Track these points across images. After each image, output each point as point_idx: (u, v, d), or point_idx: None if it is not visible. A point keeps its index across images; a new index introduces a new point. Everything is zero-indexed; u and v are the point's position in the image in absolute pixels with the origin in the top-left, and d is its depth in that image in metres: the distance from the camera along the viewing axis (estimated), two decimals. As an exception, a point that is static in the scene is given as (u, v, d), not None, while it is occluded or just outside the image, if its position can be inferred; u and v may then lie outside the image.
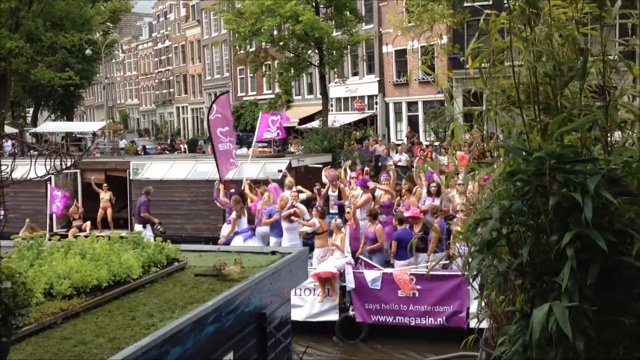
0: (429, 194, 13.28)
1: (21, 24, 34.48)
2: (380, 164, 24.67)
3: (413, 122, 37.22)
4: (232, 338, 4.66)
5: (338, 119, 34.68)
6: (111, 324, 3.97)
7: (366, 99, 40.37)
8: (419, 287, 10.87)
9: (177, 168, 17.96)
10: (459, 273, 10.59)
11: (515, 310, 2.80)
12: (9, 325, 3.17)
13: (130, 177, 18.09)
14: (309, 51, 32.15)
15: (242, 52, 34.82)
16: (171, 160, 19.67)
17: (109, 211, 17.82)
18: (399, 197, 13.75)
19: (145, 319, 4.03)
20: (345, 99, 41.60)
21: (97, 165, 19.92)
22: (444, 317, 10.76)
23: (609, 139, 2.91)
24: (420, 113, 36.63)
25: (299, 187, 14.20)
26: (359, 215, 12.84)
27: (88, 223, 17.15)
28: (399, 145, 28.97)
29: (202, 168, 17.62)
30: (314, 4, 30.17)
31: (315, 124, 35.26)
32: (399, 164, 23.40)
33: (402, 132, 37.80)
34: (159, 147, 46.39)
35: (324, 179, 15.55)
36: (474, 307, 10.46)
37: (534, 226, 2.84)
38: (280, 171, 15.56)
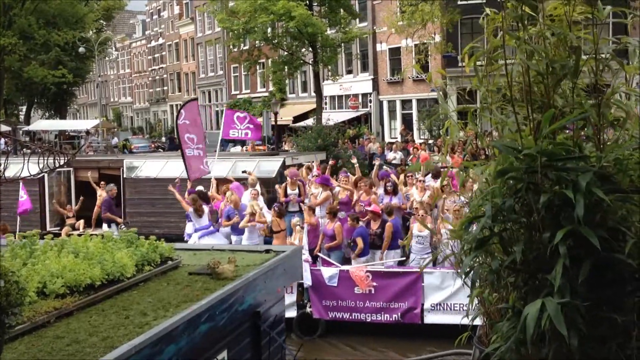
0: (386, 192, 13.39)
1: (14, 21, 34.33)
2: (374, 162, 24.68)
3: (407, 120, 37.26)
4: (226, 336, 4.66)
5: (332, 117, 34.68)
6: (105, 322, 3.96)
7: (360, 97, 40.39)
8: (375, 283, 11.00)
9: (171, 166, 17.93)
10: (415, 269, 11.06)
11: (508, 308, 2.81)
12: (2, 325, 3.16)
13: (124, 176, 18.05)
14: (303, 49, 32.13)
15: (235, 50, 34.76)
16: (165, 158, 19.64)
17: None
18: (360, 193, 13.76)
19: (139, 318, 4.03)
20: (340, 97, 41.63)
21: (91, 163, 19.87)
22: (399, 313, 10.95)
23: (601, 137, 2.92)
24: (414, 111, 36.66)
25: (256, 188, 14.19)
26: (319, 213, 12.95)
27: (81, 222, 17.10)
28: (393, 143, 29.00)
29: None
30: (307, 2, 30.15)
31: (309, 122, 35.28)
32: (393, 162, 23.42)
33: (396, 130, 37.85)
34: (153, 146, 46.28)
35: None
36: (428, 303, 10.81)
37: (526, 224, 2.85)
38: (244, 172, 15.65)
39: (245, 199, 13.50)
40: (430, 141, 28.61)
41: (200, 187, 14.76)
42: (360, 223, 12.10)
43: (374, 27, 37.88)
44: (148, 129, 67.59)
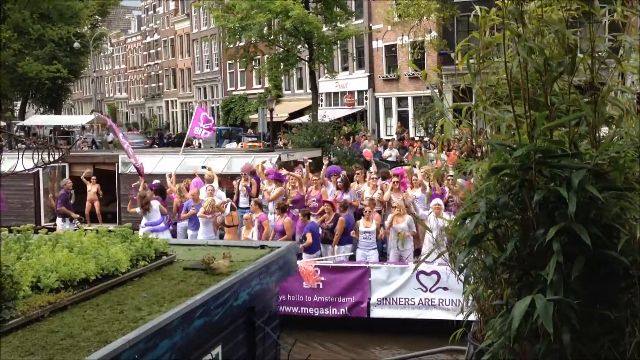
0: (338, 187, 13.52)
1: (8, 15, 34.18)
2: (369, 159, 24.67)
3: (403, 118, 37.28)
4: (220, 332, 4.66)
5: (328, 113, 34.70)
6: (99, 317, 3.96)
7: (356, 94, 40.39)
8: (323, 278, 11.17)
9: (166, 162, 17.91)
10: (362, 264, 11.34)
11: (502, 304, 2.82)
12: (-5, 319, 3.16)
13: (119, 171, 18.02)
14: (299, 46, 32.11)
15: (231, 46, 34.72)
16: (160, 154, 19.61)
17: (97, 204, 17.73)
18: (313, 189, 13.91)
19: (133, 313, 4.03)
20: (335, 94, 41.60)
21: (86, 158, 19.82)
22: (346, 308, 11.19)
23: (596, 134, 2.93)
24: (410, 108, 36.68)
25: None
26: (271, 208, 13.16)
27: (76, 217, 17.04)
28: (388, 140, 29.01)
29: (191, 162, 17.59)
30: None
31: (305, 118, 35.23)
32: (389, 159, 23.45)
33: (391, 127, 37.87)
34: (148, 141, 46.16)
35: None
36: (374, 297, 11.08)
37: (520, 220, 2.86)
38: (204, 167, 15.79)
39: (202, 195, 13.66)
40: (426, 139, 28.62)
41: (156, 181, 15.09)
42: (312, 218, 12.32)
43: (370, 24, 37.86)
44: (143, 125, 67.44)
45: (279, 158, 17.50)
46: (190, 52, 59.36)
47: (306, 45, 31.38)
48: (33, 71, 38.01)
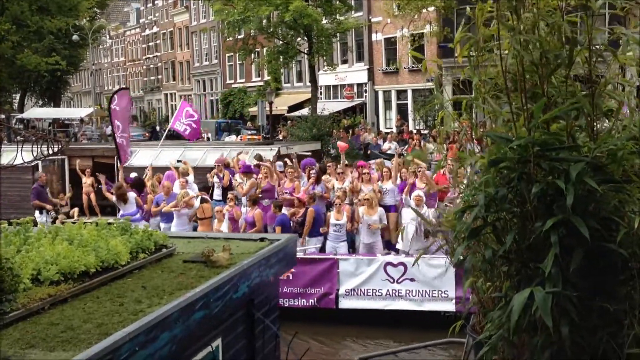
0: (309, 180, 13.65)
1: (7, 8, 34.07)
2: (369, 152, 24.71)
3: (402, 111, 37.25)
4: (220, 324, 4.67)
5: (327, 106, 34.66)
6: (99, 309, 3.96)
7: (355, 87, 40.35)
8: (292, 269, 11.19)
9: (165, 154, 17.91)
10: (331, 256, 11.53)
11: (501, 296, 2.83)
12: (-4, 311, 3.16)
13: (119, 164, 18.02)
14: (298, 39, 32.04)
15: (230, 39, 34.65)
16: (159, 146, 19.60)
17: (92, 196, 17.71)
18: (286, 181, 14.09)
19: (134, 305, 4.03)
20: (335, 86, 41.55)
21: (85, 151, 19.81)
22: (315, 299, 11.38)
23: (594, 127, 2.93)
24: (409, 101, 36.65)
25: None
26: (245, 201, 13.25)
27: (75, 209, 17.07)
28: (388, 133, 29.00)
29: (190, 154, 17.60)
30: (303, -8, 30.06)
31: (305, 111, 35.22)
32: (389, 152, 23.44)
33: (391, 120, 37.86)
34: (147, 134, 46.13)
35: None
36: (343, 288, 11.31)
37: (519, 213, 2.86)
38: (179, 161, 15.94)
39: (176, 188, 13.77)
40: (425, 131, 28.62)
41: (134, 174, 15.27)
42: (284, 210, 12.45)
43: (369, 17, 37.76)
44: (142, 118, 67.37)
45: (278, 151, 17.50)
46: (189, 45, 59.25)
47: (305, 38, 31.32)
48: (32, 64, 37.92)
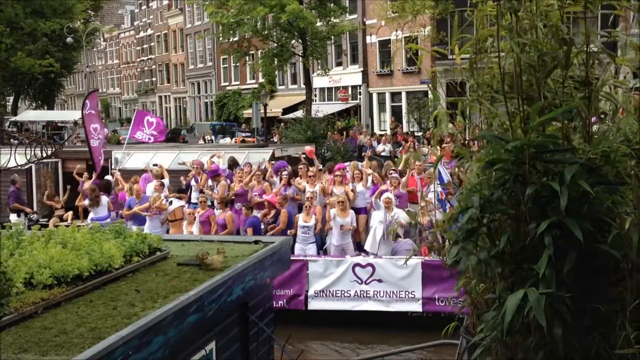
0: (281, 182, 13.76)
1: (0, 10, 34.00)
2: (363, 154, 24.73)
3: (396, 113, 37.31)
4: (214, 327, 4.66)
5: (321, 109, 34.71)
6: (92, 313, 3.95)
7: (350, 89, 40.39)
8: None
9: (160, 157, 17.87)
10: (300, 257, 11.61)
11: (495, 298, 2.83)
12: (-12, 315, 3.15)
13: (113, 167, 17.97)
14: (293, 41, 32.06)
15: (225, 42, 34.65)
16: (154, 149, 19.55)
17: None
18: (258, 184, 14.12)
19: (127, 309, 4.02)
20: (329, 89, 41.60)
21: (79, 154, 19.73)
22: (285, 300, 11.45)
23: (589, 129, 2.94)
24: (403, 103, 36.73)
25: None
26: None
27: (70, 213, 17.00)
28: (382, 135, 29.04)
29: (185, 157, 17.57)
30: (298, -6, 30.08)
31: (299, 113, 35.24)
32: (382, 153, 23.48)
33: (385, 122, 37.91)
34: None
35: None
36: (312, 290, 11.42)
37: (514, 215, 2.87)
38: (155, 165, 16.08)
39: (149, 191, 13.89)
40: (419, 133, 28.67)
41: (108, 177, 15.45)
42: (255, 212, 12.61)
43: (364, 20, 37.82)
44: (136, 121, 67.13)
45: (273, 153, 17.48)
46: (183, 47, 59.22)
47: (300, 41, 31.34)
48: (25, 66, 37.85)
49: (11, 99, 52.17)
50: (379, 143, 26.06)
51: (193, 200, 14.43)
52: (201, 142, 35.73)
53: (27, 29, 36.40)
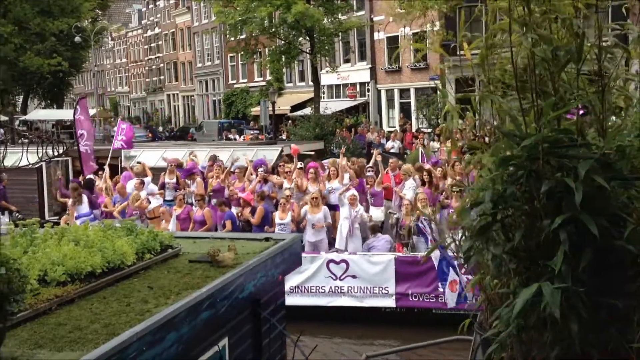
0: (260, 179, 13.87)
1: (9, 10, 34.15)
2: (372, 151, 24.69)
3: (405, 109, 37.21)
4: (226, 324, 4.68)
5: (330, 106, 34.68)
6: (106, 310, 3.97)
7: (358, 86, 40.32)
8: None
9: (169, 156, 17.91)
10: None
11: (509, 293, 2.83)
12: (4, 312, 3.17)
13: (122, 165, 18.05)
14: (300, 39, 32.04)
15: (232, 40, 34.67)
16: (163, 148, 19.62)
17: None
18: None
19: (140, 305, 4.04)
20: (337, 86, 41.54)
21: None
22: None
23: (604, 124, 2.92)
24: (412, 100, 36.61)
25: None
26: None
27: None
28: (391, 132, 28.98)
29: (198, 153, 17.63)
30: (305, -9, 30.05)
31: (307, 111, 35.21)
32: (392, 150, 23.43)
33: (394, 119, 37.82)
34: (150, 135, 46.20)
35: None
36: (287, 285, 11.54)
37: (528, 211, 2.85)
38: (139, 162, 16.21)
39: (129, 189, 14.07)
40: (429, 130, 28.59)
41: (90, 176, 15.66)
42: (233, 209, 12.82)
43: (372, 16, 37.73)
44: (145, 119, 67.42)
45: (281, 150, 17.50)
46: (191, 46, 59.28)
47: (307, 38, 31.32)
48: (34, 65, 38.00)
49: (21, 98, 52.41)
50: (387, 140, 26.01)
51: (167, 197, 14.58)
52: (233, 136, 35.56)
53: (35, 29, 36.54)
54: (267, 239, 6.00)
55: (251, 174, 14.25)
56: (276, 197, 13.40)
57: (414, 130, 29.82)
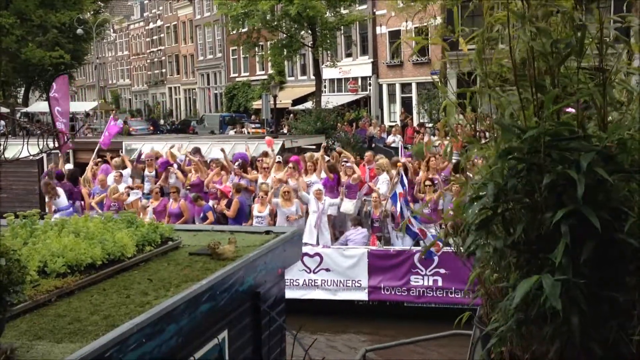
0: (235, 173, 14.00)
1: (11, 2, 34.09)
2: (374, 145, 24.69)
3: (407, 104, 37.17)
4: (226, 316, 4.68)
5: (331, 100, 34.63)
6: (106, 302, 3.97)
7: (359, 80, 40.26)
8: None
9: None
10: None
11: (509, 286, 2.82)
12: (3, 303, 3.16)
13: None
14: (302, 32, 31.97)
15: (234, 32, 34.61)
16: (164, 140, 19.61)
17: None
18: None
19: (140, 297, 4.04)
20: (339, 80, 41.48)
21: (90, 145, 19.80)
22: None
23: (605, 117, 2.91)
24: (414, 95, 36.56)
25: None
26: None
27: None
28: (392, 127, 28.96)
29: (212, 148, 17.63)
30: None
31: (309, 105, 35.19)
32: (393, 145, 23.42)
33: (395, 113, 37.79)
34: (151, 128, 46.21)
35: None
36: None
37: (529, 204, 2.84)
38: (120, 155, 16.39)
39: (110, 181, 14.25)
40: (430, 125, 28.56)
41: (70, 166, 15.84)
42: (211, 202, 12.96)
43: (374, 10, 37.64)
44: (147, 112, 67.39)
45: (283, 144, 17.48)
46: (193, 38, 59.20)
47: (309, 32, 31.25)
48: (36, 57, 37.95)
49: (22, 90, 52.37)
50: (388, 135, 26.00)
51: (147, 190, 14.65)
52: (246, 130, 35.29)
53: (37, 21, 36.48)
54: (267, 232, 6.00)
55: (221, 169, 14.36)
56: (254, 191, 13.50)
57: (415, 125, 29.78)
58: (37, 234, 4.68)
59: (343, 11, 31.66)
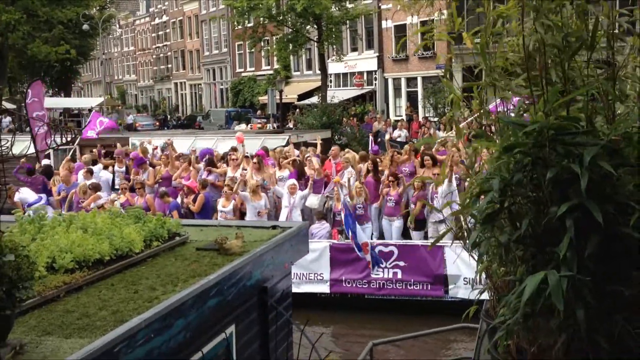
0: (204, 169, 14.17)
1: (17, -2, 34.17)
2: (379, 139, 24.65)
3: (412, 98, 37.08)
4: (234, 311, 4.69)
5: (337, 94, 34.58)
6: (114, 297, 3.99)
7: (365, 74, 40.17)
8: None
9: (177, 144, 17.95)
10: None
11: (516, 280, 2.82)
12: (13, 298, 3.18)
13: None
14: (308, 27, 31.94)
15: (240, 27, 34.60)
16: (170, 135, 19.64)
17: None
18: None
19: (148, 292, 4.05)
20: (344, 74, 41.40)
21: (96, 141, 19.86)
22: None
23: (613, 111, 2.91)
24: (419, 89, 36.48)
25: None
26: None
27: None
28: (398, 121, 28.91)
29: (201, 143, 17.66)
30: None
31: (314, 99, 35.15)
32: (398, 139, 23.40)
33: (401, 107, 37.72)
34: (157, 123, 46.29)
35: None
36: None
37: (534, 198, 2.85)
38: (91, 151, 16.65)
39: (80, 179, 14.35)
40: (435, 119, 28.50)
41: (46, 161, 15.92)
42: (179, 198, 13.12)
43: (379, 4, 37.53)
44: (152, 107, 67.48)
45: (289, 139, 17.49)
46: (198, 34, 59.19)
47: (315, 26, 31.21)
48: (42, 53, 38.01)
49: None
50: (394, 129, 25.96)
51: (116, 187, 14.76)
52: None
53: (43, 17, 36.53)
54: (274, 227, 6.01)
55: (197, 163, 14.47)
56: (222, 186, 13.54)
57: (420, 119, 29.73)
58: (46, 230, 4.70)
59: (348, 5, 31.60)
